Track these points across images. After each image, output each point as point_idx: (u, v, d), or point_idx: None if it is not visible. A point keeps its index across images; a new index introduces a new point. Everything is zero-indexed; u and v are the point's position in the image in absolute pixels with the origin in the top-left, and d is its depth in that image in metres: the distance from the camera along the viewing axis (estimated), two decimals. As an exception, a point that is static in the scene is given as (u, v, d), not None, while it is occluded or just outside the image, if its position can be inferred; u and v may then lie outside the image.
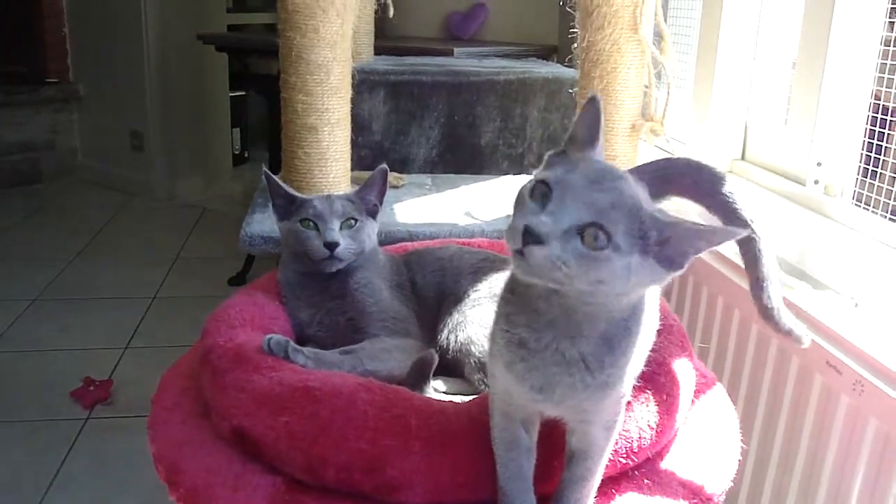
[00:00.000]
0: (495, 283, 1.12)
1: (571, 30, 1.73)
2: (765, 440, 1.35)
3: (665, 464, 0.96)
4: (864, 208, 1.44)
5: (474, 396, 0.94)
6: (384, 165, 1.22)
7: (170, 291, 3.19)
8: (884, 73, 1.40)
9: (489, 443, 0.84)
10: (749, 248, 0.97)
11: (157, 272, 3.35)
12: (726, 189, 1.00)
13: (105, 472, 2.05)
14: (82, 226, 3.86)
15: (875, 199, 1.42)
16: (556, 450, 0.84)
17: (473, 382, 1.06)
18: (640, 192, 0.69)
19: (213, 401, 0.96)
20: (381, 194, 1.23)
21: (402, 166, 2.05)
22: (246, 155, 4.83)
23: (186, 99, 4.22)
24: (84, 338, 2.75)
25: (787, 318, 0.97)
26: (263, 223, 1.48)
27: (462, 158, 2.10)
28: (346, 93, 1.58)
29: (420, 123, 2.06)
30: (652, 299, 0.80)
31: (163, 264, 3.44)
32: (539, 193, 0.68)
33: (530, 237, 0.64)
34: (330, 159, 1.57)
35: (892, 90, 1.39)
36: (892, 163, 1.39)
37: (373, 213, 1.22)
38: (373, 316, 1.12)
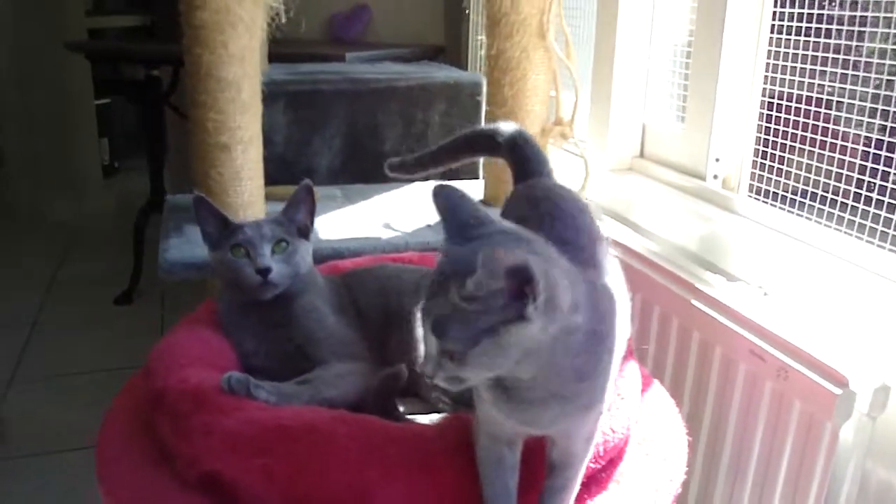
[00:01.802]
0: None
1: (458, 30, 1.76)
2: (692, 429, 1.42)
3: (625, 464, 1.00)
4: (761, 200, 1.55)
5: (442, 416, 0.94)
6: (307, 181, 1.21)
7: (50, 318, 3.00)
8: (770, 60, 1.50)
9: (471, 462, 0.85)
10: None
11: (32, 298, 3.14)
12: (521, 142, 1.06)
13: (6, 521, 1.92)
14: (-64, 256, 3.58)
15: (766, 189, 1.53)
16: (535, 463, 0.86)
17: (430, 400, 1.07)
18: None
19: (175, 447, 0.92)
20: (311, 212, 1.21)
21: (308, 176, 2.00)
22: (116, 165, 4.61)
23: (47, 109, 3.96)
24: (-39, 375, 2.55)
25: None
26: (182, 248, 1.43)
27: (366, 166, 2.09)
28: (258, 109, 1.54)
29: (322, 133, 2.03)
30: (621, 306, 0.82)
31: (37, 289, 3.23)
32: None
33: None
34: (244, 178, 1.53)
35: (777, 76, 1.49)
36: (779, 154, 1.49)
37: (304, 233, 1.19)
38: (321, 342, 1.10)
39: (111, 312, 3.07)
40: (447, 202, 0.76)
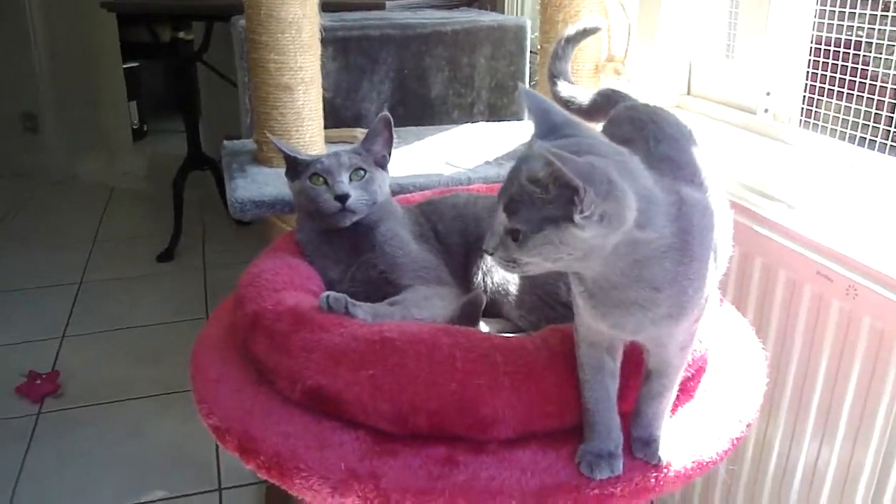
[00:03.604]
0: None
1: None
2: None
3: (709, 374, 1.03)
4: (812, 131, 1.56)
5: (547, 329, 0.97)
6: (386, 113, 1.22)
7: (96, 275, 3.06)
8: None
9: (571, 371, 0.88)
10: None
11: (77, 257, 3.20)
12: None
13: (71, 464, 1.98)
14: (-17, 217, 3.64)
15: (815, 124, 1.54)
16: (633, 371, 0.89)
17: (514, 320, 1.10)
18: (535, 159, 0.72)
19: (277, 365, 0.95)
20: (389, 144, 1.23)
21: (356, 122, 2.03)
22: (145, 129, 4.63)
23: (78, 75, 3.99)
24: (17, 332, 2.61)
25: None
26: (248, 188, 1.45)
27: (414, 111, 2.10)
28: (317, 50, 1.55)
29: (371, 78, 2.04)
30: (720, 222, 0.83)
31: (81, 248, 3.29)
32: None
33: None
34: (306, 119, 1.55)
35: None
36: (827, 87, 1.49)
37: (382, 164, 1.22)
38: (404, 267, 1.13)
39: (154, 269, 3.12)
40: (540, 102, 0.80)
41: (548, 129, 0.78)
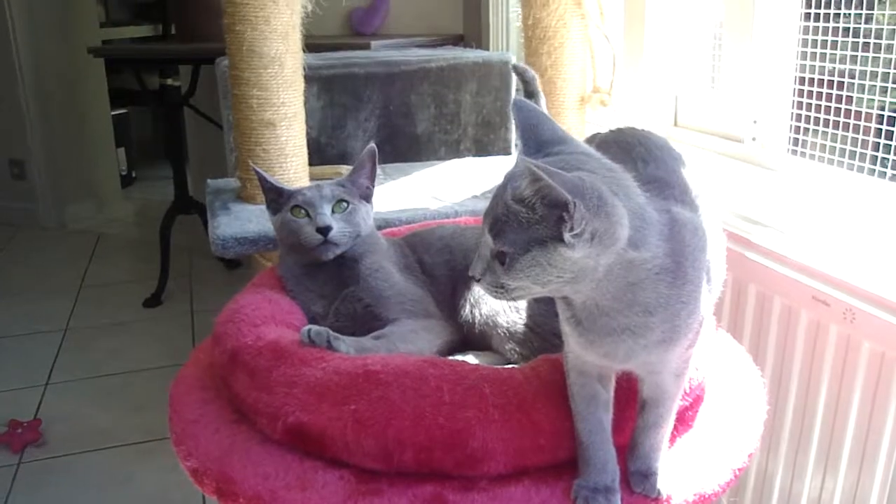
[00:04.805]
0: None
1: (477, 15, 1.74)
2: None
3: (707, 403, 0.99)
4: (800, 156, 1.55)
5: (538, 359, 0.93)
6: (372, 145, 1.20)
7: (81, 322, 3.01)
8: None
9: (563, 402, 0.84)
10: None
11: (63, 303, 3.15)
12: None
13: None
14: (-31, 264, 3.59)
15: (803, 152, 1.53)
16: (627, 401, 0.86)
17: (505, 353, 1.06)
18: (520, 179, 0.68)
19: (256, 402, 0.91)
20: (372, 177, 1.20)
21: (341, 160, 2.01)
22: (133, 175, 4.62)
23: (67, 121, 3.98)
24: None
25: None
26: (231, 225, 1.42)
27: (400, 148, 2.08)
28: (300, 85, 1.54)
29: (356, 116, 2.03)
30: (712, 244, 0.81)
31: (67, 295, 3.24)
32: None
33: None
34: (289, 154, 1.53)
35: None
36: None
37: (366, 197, 1.19)
38: (390, 300, 1.10)
39: (141, 315, 3.07)
40: (529, 117, 0.76)
41: (536, 146, 0.75)
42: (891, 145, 1.32)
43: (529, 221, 0.68)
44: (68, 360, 2.70)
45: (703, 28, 1.81)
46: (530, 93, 1.26)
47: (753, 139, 1.66)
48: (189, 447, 0.95)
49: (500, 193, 0.71)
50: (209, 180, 1.75)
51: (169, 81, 3.21)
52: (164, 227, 3.15)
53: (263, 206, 1.51)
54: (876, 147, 1.35)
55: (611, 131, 0.97)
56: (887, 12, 1.32)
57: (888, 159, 1.33)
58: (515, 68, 1.30)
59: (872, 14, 1.33)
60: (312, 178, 1.66)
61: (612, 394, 0.84)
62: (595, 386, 0.82)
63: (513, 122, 1.16)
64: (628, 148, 0.88)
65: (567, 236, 0.66)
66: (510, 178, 0.70)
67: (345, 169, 1.79)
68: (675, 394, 0.84)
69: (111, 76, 4.13)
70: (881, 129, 1.34)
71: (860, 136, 1.39)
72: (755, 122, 1.65)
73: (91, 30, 4.05)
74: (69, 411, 2.36)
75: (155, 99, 3.23)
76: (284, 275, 1.16)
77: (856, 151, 1.40)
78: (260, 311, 1.04)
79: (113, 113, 4.23)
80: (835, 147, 1.45)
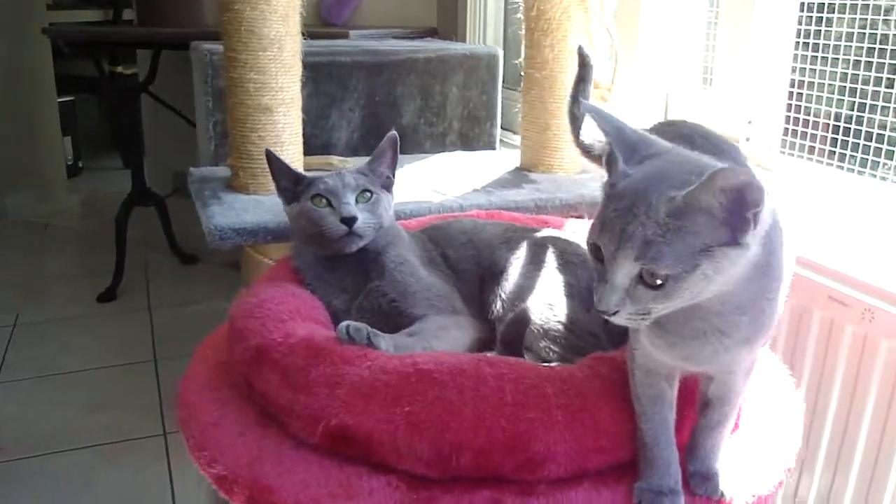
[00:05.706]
0: (536, 251, 1.08)
1: (453, 8, 1.70)
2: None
3: (749, 403, 0.97)
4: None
5: (592, 357, 0.89)
6: (393, 132, 1.15)
7: (31, 317, 2.84)
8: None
9: (626, 401, 0.81)
10: None
11: (10, 298, 2.98)
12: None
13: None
14: None
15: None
16: (686, 400, 0.82)
17: (538, 351, 1.02)
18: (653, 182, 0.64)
19: (290, 403, 0.85)
20: (394, 165, 1.15)
21: (325, 151, 1.94)
22: (80, 165, 4.42)
23: (9, 107, 3.77)
24: (-55, 381, 2.39)
25: None
26: (226, 215, 1.34)
27: (385, 140, 2.03)
28: (298, 70, 1.47)
29: (340, 106, 1.96)
30: (788, 240, 0.78)
31: (14, 288, 3.07)
32: (594, 259, 0.68)
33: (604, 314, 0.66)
34: (286, 142, 1.46)
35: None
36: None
37: (387, 186, 1.14)
38: (417, 295, 1.04)
39: (95, 310, 2.93)
40: (611, 120, 0.71)
41: (628, 150, 0.69)
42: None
43: (700, 232, 0.62)
44: (19, 357, 2.55)
45: (695, 28, 1.80)
46: (582, 77, 1.22)
47: (748, 139, 1.66)
48: (213, 453, 0.88)
49: (628, 215, 0.63)
50: (192, 168, 1.66)
51: (119, 69, 3.07)
52: (119, 219, 3.01)
53: (257, 196, 1.45)
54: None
55: (662, 123, 0.94)
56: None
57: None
58: (580, 50, 1.23)
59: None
60: (305, 168, 1.59)
61: (676, 393, 0.81)
62: (662, 385, 0.79)
63: (587, 124, 1.11)
64: (690, 139, 0.85)
65: (749, 236, 0.62)
66: (646, 192, 0.63)
67: (337, 160, 1.73)
68: (741, 392, 0.82)
69: (59, 62, 3.94)
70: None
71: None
72: (749, 122, 1.65)
73: (38, 12, 3.85)
74: (23, 413, 2.23)
75: (107, 86, 3.09)
76: (301, 267, 1.09)
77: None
78: (285, 306, 0.98)
79: (59, 100, 4.04)
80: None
